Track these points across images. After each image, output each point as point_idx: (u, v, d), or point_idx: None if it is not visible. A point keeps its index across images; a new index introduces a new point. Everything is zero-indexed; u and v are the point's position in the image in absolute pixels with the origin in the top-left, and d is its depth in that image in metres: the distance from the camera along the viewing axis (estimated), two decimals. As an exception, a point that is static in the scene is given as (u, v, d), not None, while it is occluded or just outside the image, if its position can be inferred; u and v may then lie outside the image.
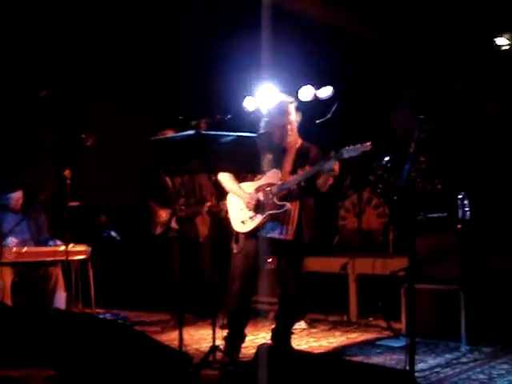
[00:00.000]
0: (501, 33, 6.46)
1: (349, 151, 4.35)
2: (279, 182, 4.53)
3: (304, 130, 4.81)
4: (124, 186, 8.10)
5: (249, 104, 6.99)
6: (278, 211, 4.49)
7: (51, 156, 8.08)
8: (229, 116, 4.61)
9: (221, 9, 6.38)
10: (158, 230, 6.24)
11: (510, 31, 6.36)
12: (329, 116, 6.09)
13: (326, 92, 7.02)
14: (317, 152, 4.65)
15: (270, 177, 4.60)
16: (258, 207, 4.54)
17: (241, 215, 4.63)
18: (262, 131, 4.68)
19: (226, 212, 4.82)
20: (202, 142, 4.00)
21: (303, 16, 6.58)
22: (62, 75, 7.57)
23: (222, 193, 4.99)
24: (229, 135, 4.10)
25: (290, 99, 4.74)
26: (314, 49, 6.99)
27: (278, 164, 4.60)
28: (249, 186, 4.67)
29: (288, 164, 4.60)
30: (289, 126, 4.62)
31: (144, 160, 5.04)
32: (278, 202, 4.50)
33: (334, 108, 6.01)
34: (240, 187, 4.66)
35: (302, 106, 4.76)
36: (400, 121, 7.78)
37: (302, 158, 4.61)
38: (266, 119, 4.73)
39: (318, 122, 6.01)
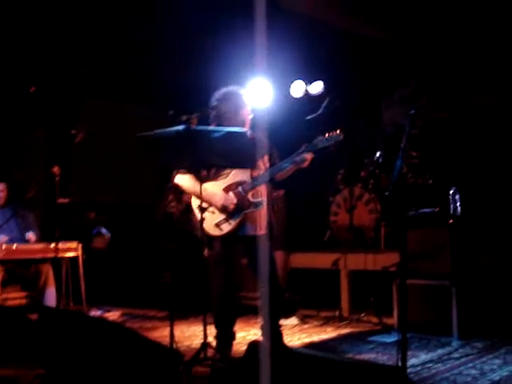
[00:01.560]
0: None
1: (322, 141, 4.34)
2: (249, 179, 4.41)
3: (294, 125, 4.79)
4: (114, 182, 8.07)
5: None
6: (256, 209, 4.39)
7: (42, 152, 8.02)
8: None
9: (213, 3, 6.34)
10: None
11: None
12: (319, 112, 6.07)
13: (317, 87, 7.01)
14: (267, 140, 4.51)
15: (238, 174, 4.42)
16: (236, 209, 4.38)
17: (213, 218, 4.40)
18: (213, 126, 4.42)
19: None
20: (192, 136, 3.97)
21: (295, 11, 6.55)
22: (53, 70, 7.51)
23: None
24: (220, 130, 4.07)
25: (244, 90, 4.57)
26: (305, 44, 6.97)
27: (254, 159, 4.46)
28: (213, 186, 4.41)
29: None
30: (246, 118, 4.49)
31: (135, 156, 4.99)
32: (254, 200, 4.39)
33: (324, 104, 5.99)
34: (205, 189, 4.30)
35: (293, 102, 4.75)
36: (391, 117, 7.78)
37: (258, 148, 4.40)
38: (215, 113, 4.45)
39: (308, 117, 5.98)
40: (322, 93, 6.92)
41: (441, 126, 7.24)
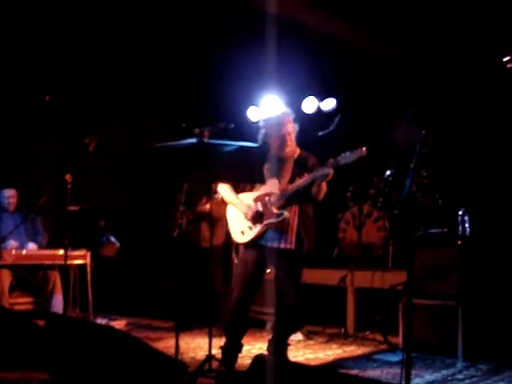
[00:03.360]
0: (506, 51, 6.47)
1: (345, 157, 4.39)
2: (277, 192, 4.53)
3: (306, 141, 4.83)
4: (125, 191, 8.12)
5: (253, 114, 7.01)
6: (276, 220, 4.49)
7: (54, 160, 8.10)
8: (232, 125, 4.60)
9: (226, 20, 6.41)
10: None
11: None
12: (331, 128, 6.11)
13: (330, 104, 7.05)
14: (315, 160, 4.67)
15: (268, 186, 4.60)
16: (256, 217, 4.54)
17: (240, 226, 4.63)
18: (260, 142, 4.69)
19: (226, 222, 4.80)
20: (204, 150, 4.02)
21: (308, 29, 6.60)
22: (68, 80, 7.59)
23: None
24: (232, 144, 4.12)
25: (288, 110, 4.76)
26: (318, 61, 7.01)
27: (276, 174, 4.60)
28: (247, 197, 4.67)
29: (287, 173, 4.60)
30: (287, 137, 4.62)
31: (146, 167, 5.04)
32: (276, 211, 4.50)
33: (336, 120, 6.03)
34: (238, 198, 4.66)
35: (305, 118, 4.79)
36: (403, 135, 7.78)
37: (300, 167, 4.60)
38: (264, 130, 4.72)
39: (320, 133, 6.02)
40: (334, 110, 6.96)
41: (451, 146, 7.24)
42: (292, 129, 4.67)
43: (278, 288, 4.66)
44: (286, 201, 4.52)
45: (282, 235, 4.50)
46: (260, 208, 4.56)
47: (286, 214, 4.49)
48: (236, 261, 4.69)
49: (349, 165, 4.41)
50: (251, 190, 4.70)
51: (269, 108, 6.87)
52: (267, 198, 4.56)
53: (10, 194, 6.36)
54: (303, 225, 4.58)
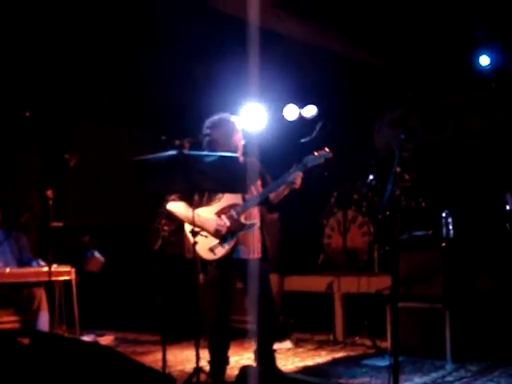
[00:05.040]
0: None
1: (312, 160, 4.40)
2: (241, 202, 4.45)
3: (289, 148, 4.83)
4: (108, 206, 8.09)
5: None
6: (248, 231, 4.42)
7: (35, 177, 8.04)
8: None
9: (206, 29, 6.40)
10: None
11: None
12: (313, 135, 6.12)
13: (311, 111, 7.06)
14: (260, 164, 4.65)
15: (230, 198, 4.45)
16: (227, 232, 4.40)
17: (206, 242, 4.41)
18: (205, 149, 4.49)
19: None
20: (185, 161, 4.00)
21: (288, 36, 6.62)
22: (47, 94, 7.55)
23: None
24: (212, 155, 4.11)
25: (234, 117, 4.64)
26: (298, 69, 7.03)
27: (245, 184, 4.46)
28: (207, 212, 4.44)
29: None
30: (238, 144, 4.56)
31: (128, 180, 5.02)
32: (246, 222, 4.42)
33: (317, 127, 6.04)
34: (198, 215, 4.31)
35: (287, 125, 4.79)
36: (384, 140, 7.83)
37: (250, 173, 4.45)
38: (209, 138, 4.51)
39: (302, 140, 6.03)
40: (316, 116, 6.97)
41: (433, 149, 7.29)
42: (241, 138, 4.59)
43: (255, 298, 4.50)
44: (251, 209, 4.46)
45: (250, 245, 4.45)
46: (227, 222, 4.39)
47: (258, 222, 4.45)
48: (202, 280, 4.50)
49: (316, 167, 4.42)
50: (208, 203, 4.49)
51: (250, 117, 6.87)
52: (232, 210, 4.42)
53: None
54: (266, 231, 4.59)
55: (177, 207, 4.46)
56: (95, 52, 6.86)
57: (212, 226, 4.38)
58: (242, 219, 4.42)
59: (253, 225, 4.43)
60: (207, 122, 4.58)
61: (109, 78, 7.46)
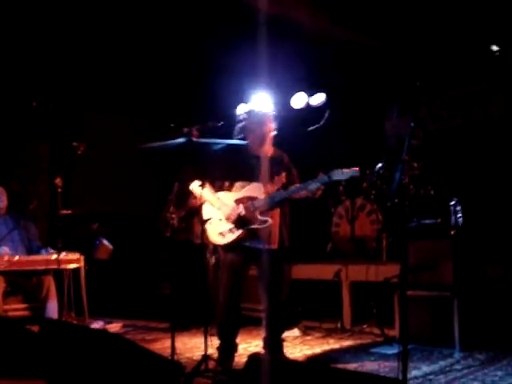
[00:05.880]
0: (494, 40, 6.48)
1: (338, 174, 4.40)
2: (262, 196, 4.50)
3: (296, 137, 4.83)
4: (116, 193, 8.10)
5: (241, 111, 6.98)
6: (260, 226, 4.47)
7: (45, 165, 8.07)
8: (221, 123, 4.59)
9: (215, 16, 6.38)
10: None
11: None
12: (321, 123, 6.09)
13: (319, 99, 7.02)
14: (288, 159, 4.75)
15: (252, 190, 4.54)
16: (238, 220, 4.49)
17: (219, 227, 4.55)
18: (236, 135, 4.70)
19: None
20: (193, 149, 3.99)
21: (297, 24, 6.58)
22: (56, 84, 7.55)
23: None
24: (220, 143, 4.10)
25: (271, 109, 4.80)
26: (307, 56, 7.00)
27: (254, 172, 4.56)
28: (227, 197, 4.59)
29: (264, 172, 4.58)
30: (267, 136, 4.63)
31: (136, 168, 5.01)
32: (261, 218, 4.46)
33: (326, 115, 6.01)
34: (218, 198, 4.57)
35: (295, 114, 4.79)
36: (393, 128, 7.80)
37: (276, 165, 4.64)
38: (242, 125, 4.72)
39: (310, 129, 6.00)
40: (324, 104, 6.94)
41: (442, 137, 7.25)
42: (272, 128, 4.67)
43: (267, 285, 4.62)
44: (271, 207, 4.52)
45: (265, 237, 4.50)
46: (243, 211, 4.49)
47: (270, 221, 4.48)
48: (212, 261, 4.61)
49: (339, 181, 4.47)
50: (230, 189, 4.63)
51: (257, 104, 6.84)
52: (250, 202, 4.50)
53: None
54: (284, 224, 4.63)
55: (199, 188, 4.51)
56: (101, 40, 6.85)
57: (227, 211, 4.50)
58: (257, 213, 4.47)
59: (265, 222, 4.47)
60: (243, 110, 4.71)
61: (118, 66, 7.45)
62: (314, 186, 4.40)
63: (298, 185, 4.55)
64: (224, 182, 4.63)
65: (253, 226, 4.47)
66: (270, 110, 4.76)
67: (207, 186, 4.55)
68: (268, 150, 4.67)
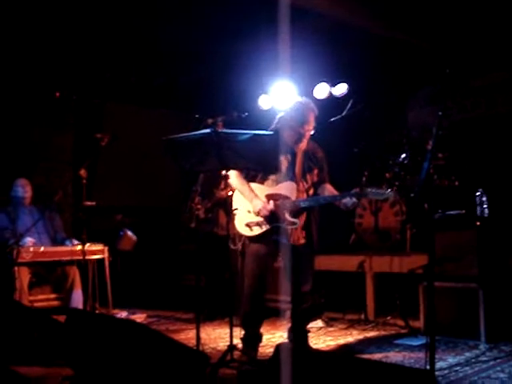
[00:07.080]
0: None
1: (373, 193, 4.42)
2: (293, 197, 4.50)
3: (318, 127, 4.80)
4: (140, 185, 8.13)
5: (264, 102, 6.96)
6: (289, 227, 4.48)
7: (69, 157, 8.13)
8: (245, 114, 4.58)
9: (237, 7, 6.35)
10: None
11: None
12: (343, 114, 6.05)
13: (341, 89, 6.97)
14: (323, 153, 4.74)
15: (284, 188, 4.53)
16: (267, 217, 4.48)
17: (247, 218, 4.55)
18: (273, 126, 4.64)
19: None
20: (218, 140, 3.99)
21: (319, 14, 6.54)
22: (78, 75, 7.60)
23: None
24: (246, 133, 4.09)
25: (314, 107, 4.69)
26: (329, 46, 6.95)
27: (288, 166, 4.58)
28: (259, 190, 4.59)
29: (298, 167, 4.61)
30: (307, 133, 4.61)
31: (159, 159, 5.03)
32: (290, 219, 4.46)
33: (348, 106, 5.97)
34: (252, 190, 4.56)
35: (317, 104, 4.75)
36: (416, 118, 7.73)
37: (309, 160, 4.65)
38: (281, 117, 4.67)
39: (332, 119, 5.97)
40: (346, 95, 6.89)
41: (467, 127, 7.18)
42: (312, 128, 4.64)
43: (293, 277, 4.62)
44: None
45: (292, 233, 4.53)
46: (273, 209, 4.48)
47: (299, 223, 4.50)
48: (239, 248, 4.62)
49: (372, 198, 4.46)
50: (262, 182, 4.63)
51: (281, 95, 6.81)
52: (281, 201, 4.49)
53: (23, 182, 6.34)
54: (314, 220, 4.65)
55: (234, 177, 4.59)
56: (124, 32, 6.87)
57: (257, 206, 4.48)
58: (287, 214, 4.46)
59: (294, 223, 4.48)
60: (287, 103, 4.71)
61: (141, 58, 7.47)
62: (350, 202, 4.41)
63: (331, 194, 4.58)
64: (257, 174, 4.62)
65: (282, 225, 4.47)
66: (314, 108, 4.66)
67: (239, 175, 4.57)
68: (303, 145, 4.66)
